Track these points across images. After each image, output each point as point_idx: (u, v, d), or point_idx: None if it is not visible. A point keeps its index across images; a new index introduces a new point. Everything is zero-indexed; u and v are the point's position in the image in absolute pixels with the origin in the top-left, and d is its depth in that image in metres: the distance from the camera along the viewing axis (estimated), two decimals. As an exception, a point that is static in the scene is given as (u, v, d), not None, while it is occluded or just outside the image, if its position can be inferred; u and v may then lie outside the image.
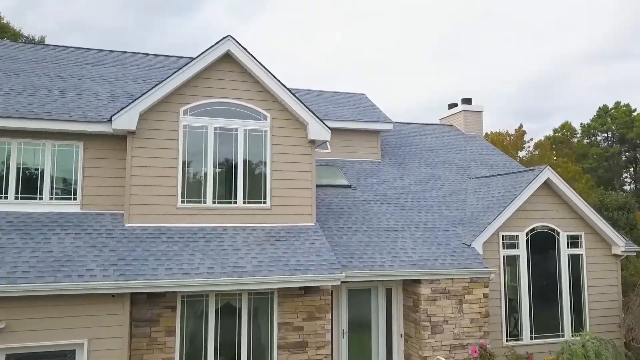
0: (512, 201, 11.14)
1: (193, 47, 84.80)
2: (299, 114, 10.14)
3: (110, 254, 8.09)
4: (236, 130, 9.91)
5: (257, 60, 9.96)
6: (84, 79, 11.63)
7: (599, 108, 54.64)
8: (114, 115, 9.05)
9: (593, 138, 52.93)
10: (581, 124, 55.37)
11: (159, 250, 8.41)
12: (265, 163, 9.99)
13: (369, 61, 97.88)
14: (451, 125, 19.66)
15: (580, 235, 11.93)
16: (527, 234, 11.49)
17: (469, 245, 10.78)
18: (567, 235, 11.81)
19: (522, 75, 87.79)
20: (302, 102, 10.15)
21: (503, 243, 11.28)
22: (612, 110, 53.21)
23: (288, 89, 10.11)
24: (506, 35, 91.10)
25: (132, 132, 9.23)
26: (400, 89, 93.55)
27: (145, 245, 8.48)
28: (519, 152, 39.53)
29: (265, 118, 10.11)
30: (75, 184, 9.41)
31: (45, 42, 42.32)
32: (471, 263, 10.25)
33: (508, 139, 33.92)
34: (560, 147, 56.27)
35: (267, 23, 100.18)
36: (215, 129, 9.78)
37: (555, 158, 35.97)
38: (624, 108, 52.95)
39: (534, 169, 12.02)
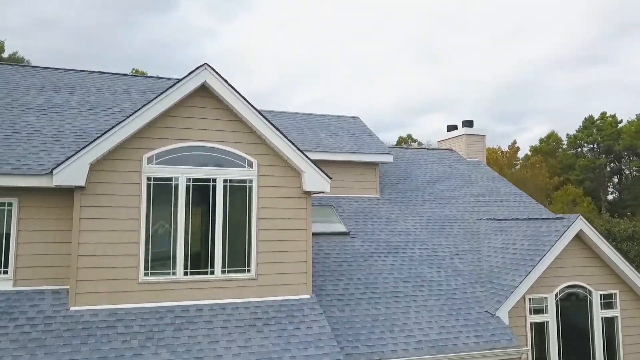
0: (541, 259, 9.46)
1: (170, 46, 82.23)
2: (293, 160, 8.28)
3: None
4: (214, 181, 7.99)
5: (241, 95, 8.08)
6: (27, 109, 9.54)
7: (585, 119, 54.10)
8: (56, 167, 7.04)
9: (579, 149, 52.28)
10: (567, 134, 54.79)
11: (113, 349, 6.44)
12: (249, 221, 8.10)
13: (350, 62, 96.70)
14: (451, 150, 18.02)
15: (615, 294, 10.33)
16: (556, 296, 9.83)
17: (492, 315, 9.05)
18: (600, 295, 10.20)
19: (496, 78, 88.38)
20: (296, 146, 8.29)
21: (530, 308, 9.60)
22: (598, 121, 52.66)
23: (279, 129, 8.24)
24: (479, 40, 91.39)
25: (80, 188, 7.24)
26: (379, 90, 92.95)
27: (94, 341, 6.50)
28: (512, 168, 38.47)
29: (250, 165, 8.22)
30: (7, 252, 7.37)
31: (5, 46, 39.38)
32: (499, 340, 8.52)
33: (501, 154, 32.59)
34: (546, 157, 55.54)
35: (248, 22, 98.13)
36: (188, 180, 7.85)
37: (549, 178, 34.77)
38: (610, 119, 52.47)
39: (562, 218, 10.37)
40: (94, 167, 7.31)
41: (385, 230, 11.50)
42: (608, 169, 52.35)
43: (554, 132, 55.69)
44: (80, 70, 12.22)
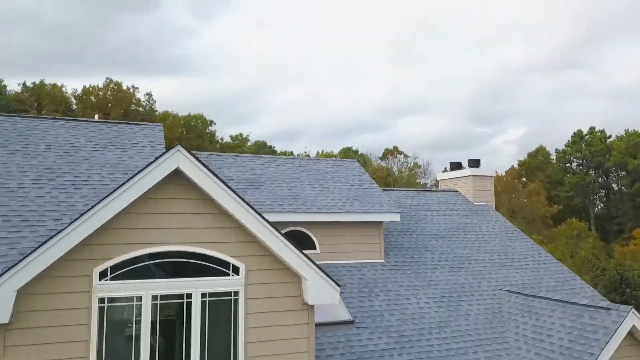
0: (590, 367, 7.80)
1: (150, 45, 79.71)
2: (291, 263, 6.47)
3: None
4: (189, 296, 6.12)
5: (224, 182, 6.24)
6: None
7: (574, 133, 53.35)
8: (-33, 299, 5.10)
9: (568, 164, 51.45)
10: (556, 149, 53.98)
11: None
12: (235, 346, 6.25)
13: (330, 62, 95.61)
14: (456, 192, 16.38)
15: (669, 398, 8.72)
16: (604, 406, 8.16)
17: None
18: (654, 400, 8.58)
19: (475, 81, 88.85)
20: (295, 247, 6.46)
21: None
22: (587, 136, 51.93)
23: (273, 226, 6.41)
24: (458, 42, 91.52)
25: (4, 325, 5.31)
26: (359, 91, 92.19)
27: None
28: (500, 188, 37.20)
29: (236, 271, 6.37)
30: None
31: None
32: None
33: (497, 180, 31.19)
34: (535, 172, 54.64)
35: (229, 21, 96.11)
36: (155, 298, 5.96)
37: (549, 206, 33.51)
38: (599, 134, 51.79)
39: (609, 309, 8.71)
40: (25, 290, 5.39)
41: (395, 313, 9.73)
42: (597, 185, 51.60)
43: (542, 146, 54.87)
44: (25, 116, 10.19)
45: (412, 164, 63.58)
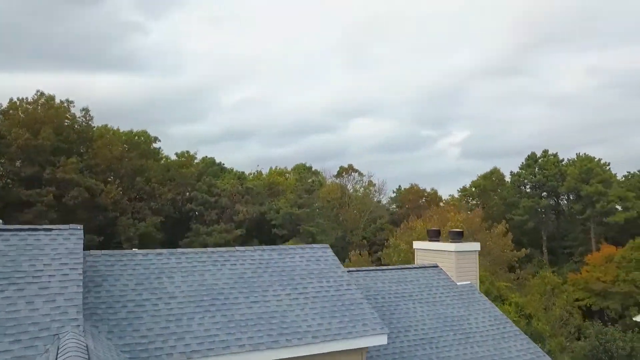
0: None
1: (98, 40, 74.81)
2: None
3: None
4: None
5: None
6: None
7: (528, 156, 53.60)
8: None
9: (522, 187, 51.51)
10: (511, 172, 54.07)
11: None
12: None
13: (282, 62, 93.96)
14: (436, 266, 14.47)
15: None
16: None
17: None
18: None
19: (422, 85, 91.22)
20: None
21: None
22: (541, 160, 52.25)
23: None
24: (407, 48, 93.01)
25: None
26: (310, 92, 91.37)
27: None
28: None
29: None
30: None
31: None
32: None
33: (461, 221, 29.69)
34: (489, 194, 54.52)
35: (180, 19, 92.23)
36: None
37: (516, 250, 32.52)
38: (552, 158, 52.23)
39: None
40: None
41: None
42: (549, 208, 51.93)
43: (496, 168, 54.91)
44: None
45: (367, 182, 62.29)
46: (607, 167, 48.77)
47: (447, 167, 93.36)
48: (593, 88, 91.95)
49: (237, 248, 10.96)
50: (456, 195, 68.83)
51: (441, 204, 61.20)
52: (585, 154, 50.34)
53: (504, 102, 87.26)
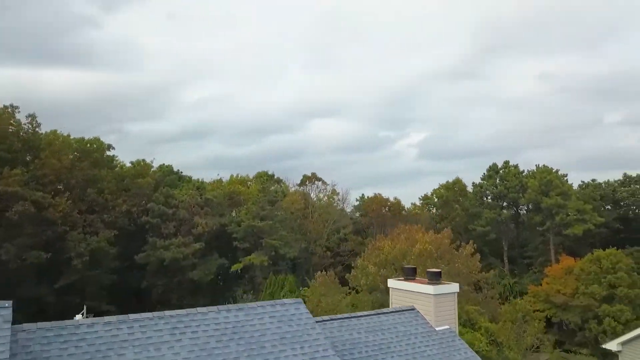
0: None
1: (46, 31, 70.70)
2: None
3: None
4: None
5: None
6: None
7: (489, 167, 54.09)
8: None
9: (485, 199, 51.90)
10: (473, 183, 54.44)
11: None
12: None
13: (244, 61, 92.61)
14: (413, 309, 13.58)
15: None
16: None
17: None
18: None
19: (383, 87, 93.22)
20: None
21: None
22: (502, 171, 52.82)
23: None
24: (367, 50, 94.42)
25: None
26: (272, 92, 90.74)
27: None
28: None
29: None
30: None
31: None
32: None
33: (426, 244, 28.90)
34: (452, 204, 54.71)
35: (137, 13, 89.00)
36: None
37: (485, 272, 32.24)
38: (513, 169, 52.89)
39: None
40: None
41: None
42: (510, 219, 52.50)
43: (459, 179, 55.16)
44: None
45: (330, 191, 61.41)
46: (565, 179, 49.75)
47: (406, 168, 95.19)
48: (544, 93, 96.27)
49: (199, 310, 9.65)
50: (418, 202, 69.21)
51: (403, 212, 61.23)
52: (544, 165, 51.28)
53: (460, 104, 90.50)
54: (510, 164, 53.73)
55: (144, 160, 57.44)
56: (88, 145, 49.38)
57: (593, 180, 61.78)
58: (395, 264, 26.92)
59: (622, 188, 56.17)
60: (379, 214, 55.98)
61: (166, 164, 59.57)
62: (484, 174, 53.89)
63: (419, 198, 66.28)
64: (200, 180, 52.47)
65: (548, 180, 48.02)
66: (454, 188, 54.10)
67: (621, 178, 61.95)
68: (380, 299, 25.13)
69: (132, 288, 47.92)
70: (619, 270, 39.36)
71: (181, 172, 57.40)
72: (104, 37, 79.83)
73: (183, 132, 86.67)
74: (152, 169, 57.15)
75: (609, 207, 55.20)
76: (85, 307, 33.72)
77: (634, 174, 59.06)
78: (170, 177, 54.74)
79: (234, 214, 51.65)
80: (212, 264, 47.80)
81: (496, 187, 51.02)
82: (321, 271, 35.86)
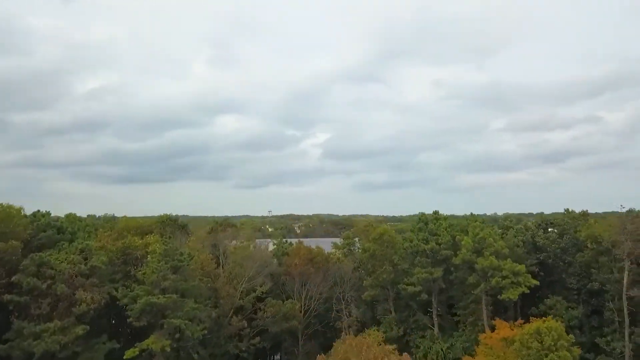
0: None
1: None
2: None
3: None
4: None
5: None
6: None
7: (419, 218, 50.32)
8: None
9: (417, 258, 47.73)
10: (403, 237, 50.37)
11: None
12: None
13: (144, 53, 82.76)
14: None
15: None
16: None
17: None
18: None
19: (288, 86, 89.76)
20: None
21: None
22: (431, 224, 49.22)
23: None
24: (274, 49, 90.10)
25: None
26: (172, 86, 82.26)
27: None
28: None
29: None
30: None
31: None
32: None
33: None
34: (382, 262, 50.11)
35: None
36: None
37: None
38: (443, 221, 49.54)
39: None
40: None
41: None
42: (442, 277, 48.99)
43: (386, 229, 50.87)
44: None
45: (244, 240, 54.18)
46: (500, 238, 47.18)
47: (310, 167, 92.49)
48: (437, 99, 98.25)
49: None
50: (339, 242, 64.35)
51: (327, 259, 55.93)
52: (477, 221, 48.70)
53: (363, 106, 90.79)
54: (440, 213, 50.48)
55: (10, 205, 45.73)
56: None
57: (510, 221, 60.87)
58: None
59: (542, 233, 55.43)
60: (302, 270, 49.97)
61: (43, 210, 48.37)
62: (414, 225, 50.13)
63: (340, 241, 61.43)
64: (84, 242, 42.42)
65: (481, 238, 45.08)
66: (382, 239, 49.65)
67: (538, 221, 61.77)
68: None
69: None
70: (560, 349, 37.01)
71: (61, 224, 46.70)
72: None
73: (74, 123, 74.29)
74: (22, 218, 45.94)
75: (528, 252, 53.99)
76: None
77: (549, 214, 58.79)
78: (46, 233, 44.08)
79: (127, 284, 42.57)
80: (100, 351, 38.58)
81: (427, 243, 47.21)
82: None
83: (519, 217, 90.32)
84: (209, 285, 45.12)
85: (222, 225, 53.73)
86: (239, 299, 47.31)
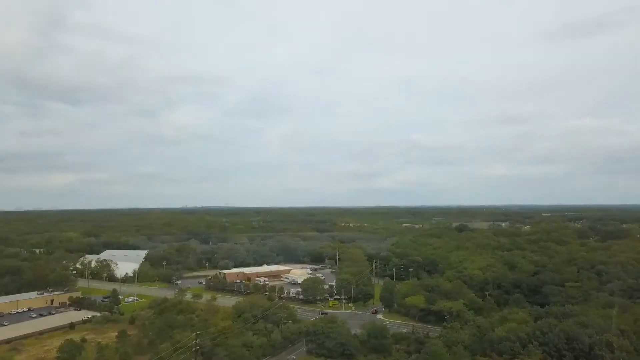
0: None
1: None
2: None
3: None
4: None
5: None
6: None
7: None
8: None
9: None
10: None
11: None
12: None
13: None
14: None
15: None
16: None
17: None
18: None
19: (251, 76, 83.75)
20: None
21: None
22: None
23: None
24: (235, 37, 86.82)
25: None
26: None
27: None
28: None
29: None
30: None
31: None
32: None
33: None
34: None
35: None
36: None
37: None
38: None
39: None
40: None
41: None
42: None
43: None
44: None
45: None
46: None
47: (272, 159, 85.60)
48: (397, 92, 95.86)
49: None
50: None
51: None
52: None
53: (325, 98, 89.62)
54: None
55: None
56: None
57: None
58: None
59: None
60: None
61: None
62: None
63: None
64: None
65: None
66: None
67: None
68: None
69: None
70: None
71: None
72: None
73: None
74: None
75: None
76: None
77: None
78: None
79: None
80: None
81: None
82: None
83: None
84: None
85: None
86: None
